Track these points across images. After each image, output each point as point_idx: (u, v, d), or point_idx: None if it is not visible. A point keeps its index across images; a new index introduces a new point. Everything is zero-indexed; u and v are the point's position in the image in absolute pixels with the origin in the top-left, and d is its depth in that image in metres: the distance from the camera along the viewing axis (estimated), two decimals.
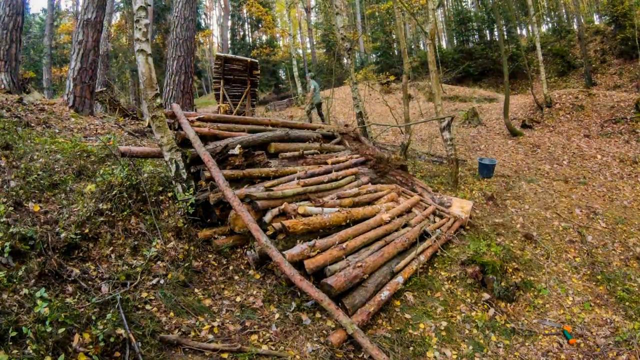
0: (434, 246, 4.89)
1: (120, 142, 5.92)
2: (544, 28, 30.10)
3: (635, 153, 10.03)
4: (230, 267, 4.06)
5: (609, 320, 4.33)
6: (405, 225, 5.27)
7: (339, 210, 4.64)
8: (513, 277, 4.75)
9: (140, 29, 4.14)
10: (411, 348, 3.32)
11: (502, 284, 4.38)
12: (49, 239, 3.14)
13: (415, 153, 11.44)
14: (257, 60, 14.12)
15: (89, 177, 4.33)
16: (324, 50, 33.90)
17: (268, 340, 3.04)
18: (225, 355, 2.74)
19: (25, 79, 9.04)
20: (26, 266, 2.79)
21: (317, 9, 37.62)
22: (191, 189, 4.37)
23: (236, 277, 3.93)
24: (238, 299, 3.58)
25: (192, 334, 2.91)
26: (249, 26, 34.12)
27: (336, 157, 6.52)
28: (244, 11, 31.43)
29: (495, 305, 4.28)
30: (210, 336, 2.93)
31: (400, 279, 4.01)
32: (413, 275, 4.30)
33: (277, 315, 3.38)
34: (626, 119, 11.79)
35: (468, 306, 4.15)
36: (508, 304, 4.35)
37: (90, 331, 2.42)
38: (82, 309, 2.59)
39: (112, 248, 3.50)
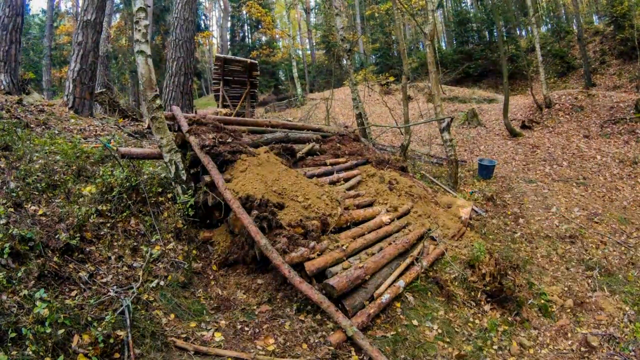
0: (436, 251, 4.84)
1: (120, 143, 5.91)
2: (543, 29, 30.13)
3: (634, 153, 10.04)
4: (230, 269, 4.05)
5: (609, 321, 4.33)
6: (405, 226, 5.27)
7: (341, 213, 4.63)
8: (513, 278, 4.74)
9: (139, 30, 4.13)
10: (412, 349, 3.31)
11: (503, 284, 4.37)
12: (49, 241, 3.14)
13: (415, 154, 11.44)
14: (256, 62, 14.12)
15: (89, 178, 4.32)
16: (324, 51, 33.94)
17: (270, 342, 3.03)
18: None
19: (25, 80, 9.02)
20: (26, 267, 2.79)
21: (316, 10, 37.68)
22: (191, 190, 4.36)
23: (236, 279, 3.92)
24: (239, 300, 3.57)
25: (193, 336, 2.90)
26: (249, 27, 34.18)
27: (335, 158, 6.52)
28: (244, 12, 31.46)
29: (496, 306, 4.27)
30: (217, 338, 2.92)
31: (401, 282, 3.99)
32: (414, 278, 4.28)
33: (278, 317, 3.37)
34: (625, 120, 11.80)
35: (468, 308, 4.14)
36: (508, 306, 4.35)
37: (90, 332, 2.41)
38: (82, 310, 2.58)
39: (111, 249, 3.49)
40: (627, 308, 4.55)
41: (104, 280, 3.10)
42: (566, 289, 4.98)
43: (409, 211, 5.72)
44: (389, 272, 4.12)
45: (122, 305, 2.78)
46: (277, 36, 32.70)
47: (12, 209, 3.36)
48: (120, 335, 2.50)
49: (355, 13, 32.80)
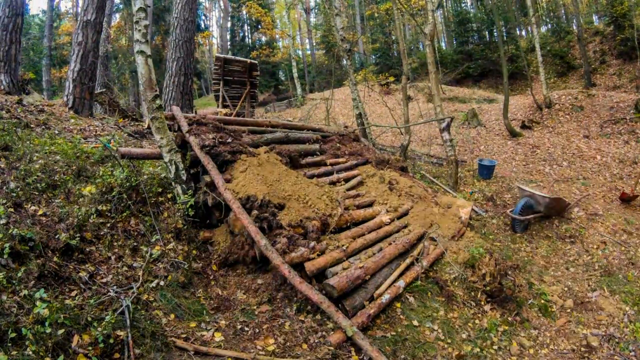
0: (436, 251, 4.84)
1: (120, 143, 5.91)
2: (543, 29, 30.12)
3: (634, 153, 10.04)
4: (230, 269, 4.05)
5: (609, 321, 4.33)
6: (405, 227, 5.27)
7: (341, 214, 4.63)
8: (513, 278, 4.74)
9: (139, 30, 4.13)
10: (412, 349, 3.31)
11: (502, 284, 4.37)
12: (49, 241, 3.14)
13: (415, 154, 11.44)
14: (256, 62, 14.12)
15: (89, 178, 4.32)
16: (324, 51, 33.92)
17: (270, 343, 3.03)
18: None
19: (25, 80, 9.02)
20: (26, 267, 2.79)
21: (316, 10, 37.69)
22: (190, 190, 4.36)
23: (236, 279, 3.92)
24: (239, 300, 3.57)
25: (193, 336, 2.90)
26: (249, 27, 34.17)
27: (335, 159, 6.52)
28: (244, 12, 31.48)
29: (496, 306, 4.27)
30: (217, 338, 2.92)
31: (401, 282, 3.99)
32: (414, 278, 4.28)
33: (278, 317, 3.37)
34: (625, 120, 11.80)
35: (469, 308, 4.14)
36: (508, 306, 4.35)
37: (90, 332, 2.41)
38: (82, 311, 2.58)
39: (111, 249, 3.49)
40: (627, 308, 4.55)
41: (104, 280, 3.10)
42: (566, 289, 4.98)
43: (409, 211, 5.73)
44: (389, 272, 4.12)
45: (122, 306, 2.78)
46: (277, 36, 32.71)
47: (12, 209, 3.36)
48: (120, 336, 2.50)
49: (355, 13, 32.81)
